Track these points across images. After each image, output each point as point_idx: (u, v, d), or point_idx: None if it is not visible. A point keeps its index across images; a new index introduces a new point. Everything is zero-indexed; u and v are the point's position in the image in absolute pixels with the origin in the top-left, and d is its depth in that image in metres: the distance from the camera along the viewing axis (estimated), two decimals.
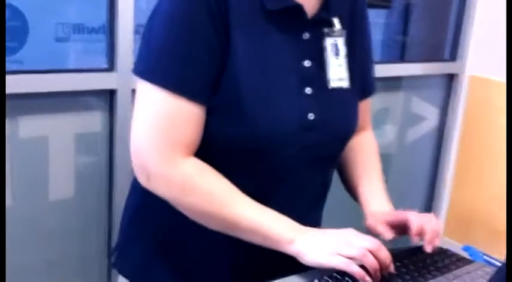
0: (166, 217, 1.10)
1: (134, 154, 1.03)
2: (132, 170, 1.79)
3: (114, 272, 1.91)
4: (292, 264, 1.02)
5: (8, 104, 1.66)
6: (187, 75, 1.00)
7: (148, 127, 1.01)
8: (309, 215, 1.13)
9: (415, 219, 1.08)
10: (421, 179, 2.77)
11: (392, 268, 1.01)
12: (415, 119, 2.69)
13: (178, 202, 1.03)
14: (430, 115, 2.70)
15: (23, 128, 1.71)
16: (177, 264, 1.13)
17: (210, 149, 1.03)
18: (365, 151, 1.26)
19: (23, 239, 1.77)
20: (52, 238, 1.83)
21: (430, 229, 1.07)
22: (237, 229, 1.02)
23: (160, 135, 1.00)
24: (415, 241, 1.08)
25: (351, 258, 0.97)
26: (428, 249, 1.07)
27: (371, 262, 0.97)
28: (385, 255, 0.99)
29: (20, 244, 1.77)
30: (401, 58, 2.82)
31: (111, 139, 1.84)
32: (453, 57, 2.62)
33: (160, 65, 1.00)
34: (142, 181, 1.04)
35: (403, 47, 2.80)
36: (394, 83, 2.55)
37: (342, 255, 0.98)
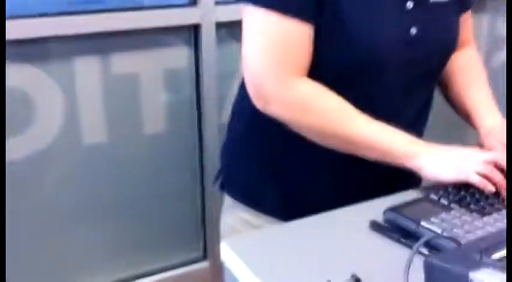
0: (271, 139, 1.12)
1: (249, 80, 1.04)
2: (218, 102, 1.82)
3: (208, 202, 1.98)
4: (399, 180, 1.05)
5: (98, 42, 1.70)
6: None
7: (261, 51, 1.01)
8: (411, 131, 1.13)
9: None
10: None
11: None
12: (501, 41, 2.59)
13: (296, 122, 1.04)
14: None
15: (114, 65, 1.76)
16: (283, 183, 1.15)
17: (315, 70, 1.03)
18: (469, 64, 1.24)
19: (117, 174, 1.85)
20: (146, 171, 1.89)
21: None
22: (357, 145, 1.03)
23: (274, 58, 1.01)
24: None
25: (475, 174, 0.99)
26: None
27: (494, 174, 0.98)
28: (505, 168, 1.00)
29: (116, 179, 1.85)
30: None
31: (198, 73, 1.86)
32: None
33: None
34: (260, 105, 1.04)
35: None
36: (476, 5, 2.45)
37: (467, 170, 0.99)
